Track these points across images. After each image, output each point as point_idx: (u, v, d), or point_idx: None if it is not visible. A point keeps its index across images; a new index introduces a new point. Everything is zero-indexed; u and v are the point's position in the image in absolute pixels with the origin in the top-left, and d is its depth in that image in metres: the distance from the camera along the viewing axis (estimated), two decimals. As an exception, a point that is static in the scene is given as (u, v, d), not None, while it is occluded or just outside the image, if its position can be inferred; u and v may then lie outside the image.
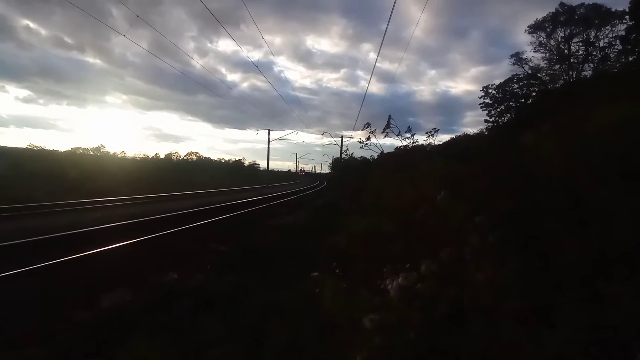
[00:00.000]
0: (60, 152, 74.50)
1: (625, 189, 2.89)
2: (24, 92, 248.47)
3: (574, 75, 30.83)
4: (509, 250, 3.12)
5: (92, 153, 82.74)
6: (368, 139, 7.45)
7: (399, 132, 6.79)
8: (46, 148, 71.80)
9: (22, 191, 20.00)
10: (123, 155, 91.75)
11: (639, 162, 3.07)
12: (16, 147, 73.86)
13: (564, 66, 32.45)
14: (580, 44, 31.20)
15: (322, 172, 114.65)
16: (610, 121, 3.96)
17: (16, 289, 6.41)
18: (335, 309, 3.88)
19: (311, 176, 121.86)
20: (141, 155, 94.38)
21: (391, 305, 3.26)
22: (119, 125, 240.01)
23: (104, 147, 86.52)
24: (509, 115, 32.16)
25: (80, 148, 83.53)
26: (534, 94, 31.40)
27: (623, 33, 26.97)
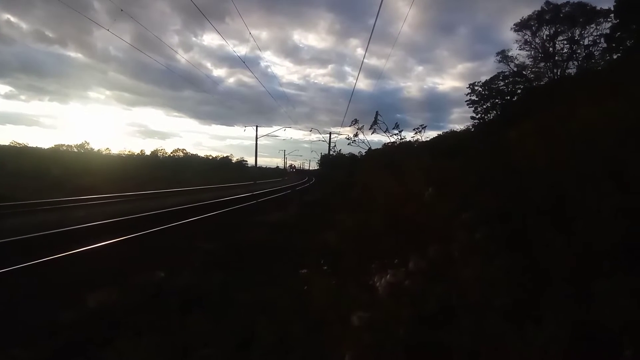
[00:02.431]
0: (44, 149, 73.41)
1: (610, 187, 2.93)
2: (5, 88, 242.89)
3: (559, 73, 31.19)
4: (496, 247, 3.14)
5: (76, 150, 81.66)
6: (356, 135, 7.46)
7: (387, 129, 6.82)
8: (29, 145, 70.70)
9: (4, 189, 19.58)
10: (108, 152, 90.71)
11: (623, 160, 3.11)
12: (-2, 145, 72.49)
13: (548, 64, 32.77)
14: (565, 42, 31.56)
15: (311, 168, 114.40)
16: (594, 119, 4.00)
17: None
18: (323, 307, 3.88)
19: (300, 173, 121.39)
20: (126, 152, 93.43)
21: (380, 302, 3.27)
22: (103, 121, 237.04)
23: (88, 143, 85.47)
24: (494, 112, 32.42)
25: (63, 145, 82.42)
26: (519, 91, 31.69)
27: (608, 31, 27.35)
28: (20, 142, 69.77)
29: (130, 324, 4.76)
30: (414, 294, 3.15)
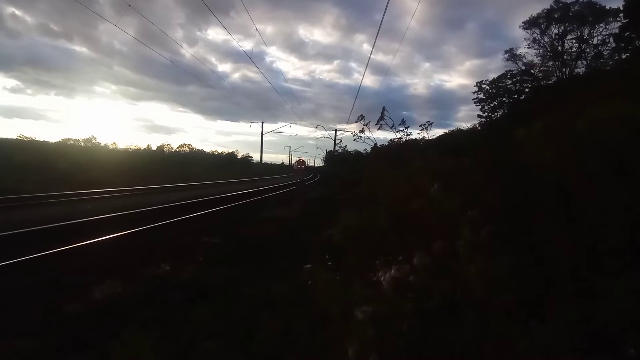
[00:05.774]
0: (51, 143, 74.08)
1: (616, 185, 2.92)
2: (12, 82, 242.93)
3: (567, 72, 30.92)
4: (501, 244, 3.14)
5: (83, 144, 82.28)
6: (362, 131, 7.45)
7: (393, 125, 6.80)
8: (36, 139, 71.36)
9: (12, 182, 19.77)
10: (114, 146, 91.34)
11: (630, 158, 3.09)
12: (6, 138, 73.28)
13: (557, 63, 32.49)
14: (574, 41, 31.26)
15: (316, 165, 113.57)
16: (602, 118, 3.98)
17: (5, 281, 6.36)
18: (327, 301, 3.89)
19: (306, 170, 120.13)
20: (133, 147, 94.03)
21: (384, 297, 3.28)
22: (108, 116, 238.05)
23: (95, 138, 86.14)
24: (502, 110, 32.22)
25: (71, 139, 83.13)
26: (527, 90, 31.45)
27: (617, 31, 27.06)
28: (28, 135, 70.52)
29: (136, 317, 4.80)
30: (418, 289, 3.15)
